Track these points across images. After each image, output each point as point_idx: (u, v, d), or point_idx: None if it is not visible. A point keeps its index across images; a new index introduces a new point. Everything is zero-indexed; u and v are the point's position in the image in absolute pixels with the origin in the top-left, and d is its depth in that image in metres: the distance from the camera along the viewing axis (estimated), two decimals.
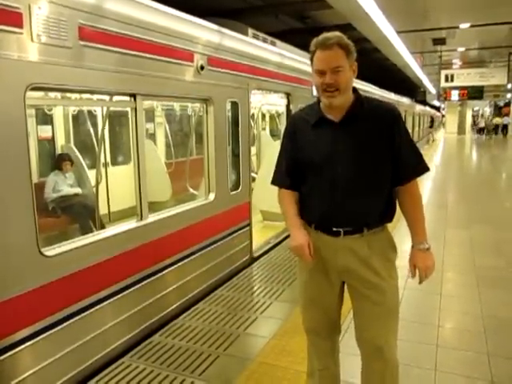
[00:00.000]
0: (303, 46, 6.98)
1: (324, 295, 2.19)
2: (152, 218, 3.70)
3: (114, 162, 7.34)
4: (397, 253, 2.17)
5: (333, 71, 1.94)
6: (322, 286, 2.17)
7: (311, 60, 2.03)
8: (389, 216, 2.14)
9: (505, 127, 33.55)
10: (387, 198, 2.10)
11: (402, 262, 2.21)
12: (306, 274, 2.21)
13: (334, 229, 2.06)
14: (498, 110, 38.11)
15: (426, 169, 2.13)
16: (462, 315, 3.90)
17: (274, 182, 2.29)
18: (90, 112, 6.69)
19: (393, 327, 2.15)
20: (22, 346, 2.62)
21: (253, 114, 7.85)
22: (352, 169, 2.02)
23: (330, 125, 2.07)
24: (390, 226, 2.18)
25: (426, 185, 10.65)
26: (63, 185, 5.45)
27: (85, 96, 4.11)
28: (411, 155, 2.10)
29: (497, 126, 34.20)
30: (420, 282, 2.12)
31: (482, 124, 35.54)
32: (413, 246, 2.14)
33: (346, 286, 2.20)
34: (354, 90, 2.10)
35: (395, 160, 2.05)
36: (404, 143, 2.08)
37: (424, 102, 32.88)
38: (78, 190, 5.61)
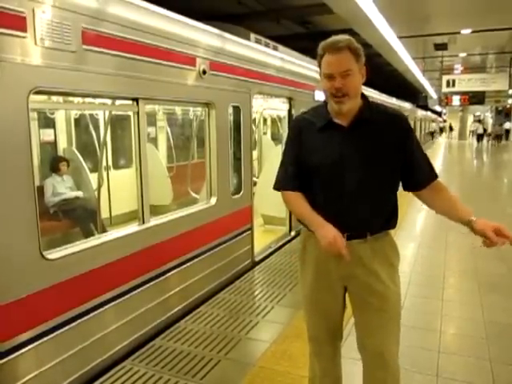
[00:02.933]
0: (305, 50, 7.03)
1: (327, 301, 2.17)
2: (154, 221, 3.71)
3: (116, 166, 7.35)
4: (399, 258, 2.15)
5: (342, 75, 1.89)
6: (324, 292, 2.15)
7: (319, 64, 1.98)
8: (393, 222, 2.12)
9: (506, 132, 33.18)
10: (393, 204, 2.10)
11: (404, 267, 2.20)
12: (309, 281, 2.18)
13: None
14: (503, 114, 37.45)
15: (436, 175, 2.11)
16: (463, 321, 3.89)
17: (278, 187, 2.19)
18: (91, 116, 6.70)
19: (395, 334, 2.13)
20: (24, 349, 2.62)
21: (254, 119, 7.86)
22: (361, 174, 1.99)
23: (339, 129, 2.02)
24: (391, 232, 2.17)
25: None
26: (62, 188, 5.44)
27: (87, 100, 4.11)
28: (424, 159, 2.09)
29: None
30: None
31: (480, 130, 34.86)
32: (471, 220, 1.94)
33: (347, 293, 2.18)
34: (362, 94, 2.05)
35: (409, 164, 2.04)
36: (416, 147, 2.07)
37: (426, 107, 32.88)
38: (79, 194, 5.61)
